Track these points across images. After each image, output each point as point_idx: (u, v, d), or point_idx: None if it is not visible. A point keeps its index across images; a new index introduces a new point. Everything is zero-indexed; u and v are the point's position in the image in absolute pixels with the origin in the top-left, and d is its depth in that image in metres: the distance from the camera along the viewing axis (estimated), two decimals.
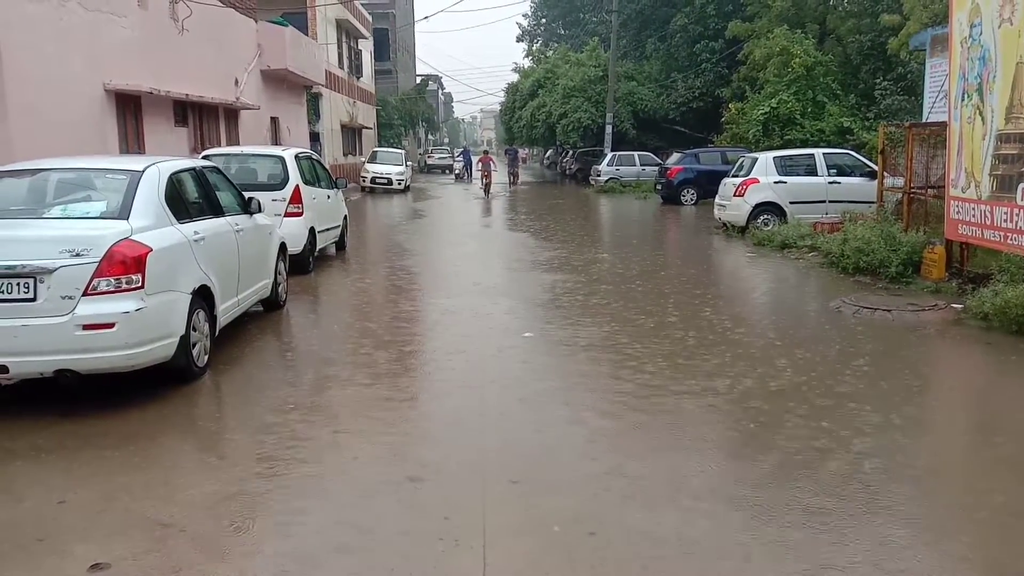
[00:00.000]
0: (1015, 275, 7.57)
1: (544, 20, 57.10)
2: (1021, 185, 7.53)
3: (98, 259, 4.94)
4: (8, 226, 5.30)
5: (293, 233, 9.98)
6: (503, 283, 10.29)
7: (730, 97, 27.29)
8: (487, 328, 7.51)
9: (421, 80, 58.05)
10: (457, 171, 40.42)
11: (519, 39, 58.02)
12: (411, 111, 48.96)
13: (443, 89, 77.56)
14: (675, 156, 24.36)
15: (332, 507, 3.84)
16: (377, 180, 29.06)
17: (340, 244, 13.03)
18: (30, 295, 4.86)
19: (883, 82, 21.93)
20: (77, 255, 4.92)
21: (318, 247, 11.38)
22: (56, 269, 4.87)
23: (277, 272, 8.20)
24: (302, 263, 10.39)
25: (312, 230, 10.94)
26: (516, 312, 8.33)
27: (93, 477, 4.18)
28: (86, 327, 4.89)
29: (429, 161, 49.48)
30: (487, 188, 27.26)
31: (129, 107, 13.67)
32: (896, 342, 6.90)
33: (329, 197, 12.25)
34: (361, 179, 29.49)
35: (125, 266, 5.03)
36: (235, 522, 3.65)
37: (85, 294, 4.91)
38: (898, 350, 6.68)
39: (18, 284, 4.85)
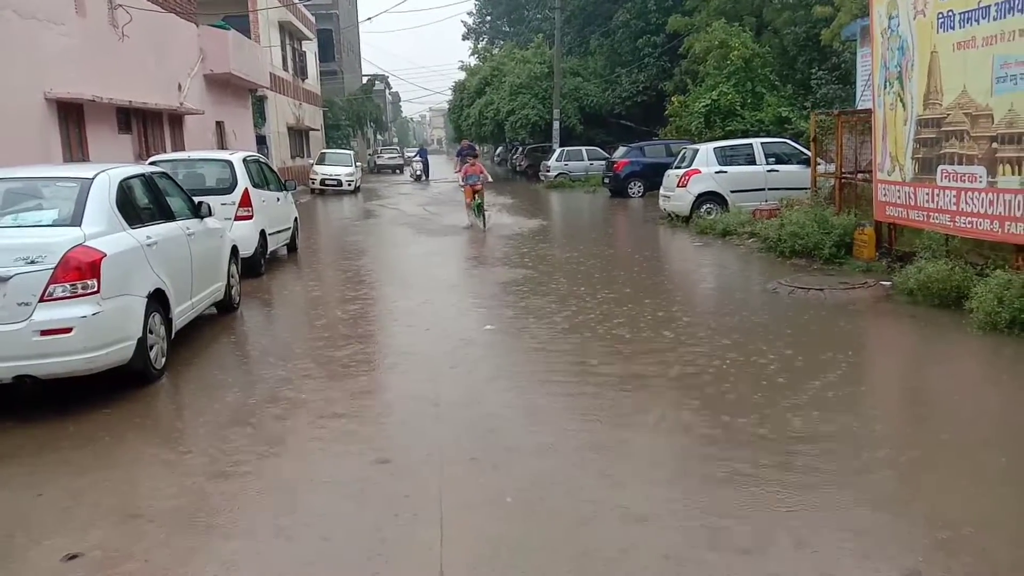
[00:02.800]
0: (936, 252, 8.05)
1: (489, 18, 57.25)
2: (940, 167, 8.01)
3: (53, 266, 5.03)
4: None
5: (244, 236, 10.04)
6: (455, 279, 10.50)
7: (673, 90, 27.84)
8: (442, 322, 7.72)
9: (367, 80, 57.76)
10: (417, 171, 37.43)
11: (465, 37, 58.05)
12: (358, 112, 48.74)
13: (390, 89, 77.16)
14: (621, 150, 24.81)
15: (296, 492, 4.02)
16: (326, 182, 28.96)
17: (291, 246, 13.09)
18: None
19: (818, 72, 22.63)
20: (32, 262, 5.01)
21: (269, 249, 11.44)
22: (11, 277, 4.95)
23: (230, 275, 8.29)
24: (254, 265, 10.46)
25: (263, 233, 11.00)
26: (469, 306, 8.54)
27: (59, 477, 4.29)
28: (44, 332, 4.98)
29: (379, 161, 49.29)
30: (480, 211, 15.85)
31: (72, 115, 13.52)
32: (827, 318, 7.31)
33: (279, 200, 12.31)
34: (310, 181, 29.35)
35: (80, 272, 5.12)
36: (202, 511, 3.81)
37: (41, 300, 5.00)
38: (828, 325, 7.08)
39: None
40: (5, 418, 5.16)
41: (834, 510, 3.62)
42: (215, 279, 7.79)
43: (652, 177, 20.80)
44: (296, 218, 13.39)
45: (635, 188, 22.95)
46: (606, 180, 24.67)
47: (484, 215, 15.90)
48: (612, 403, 5.23)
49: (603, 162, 27.44)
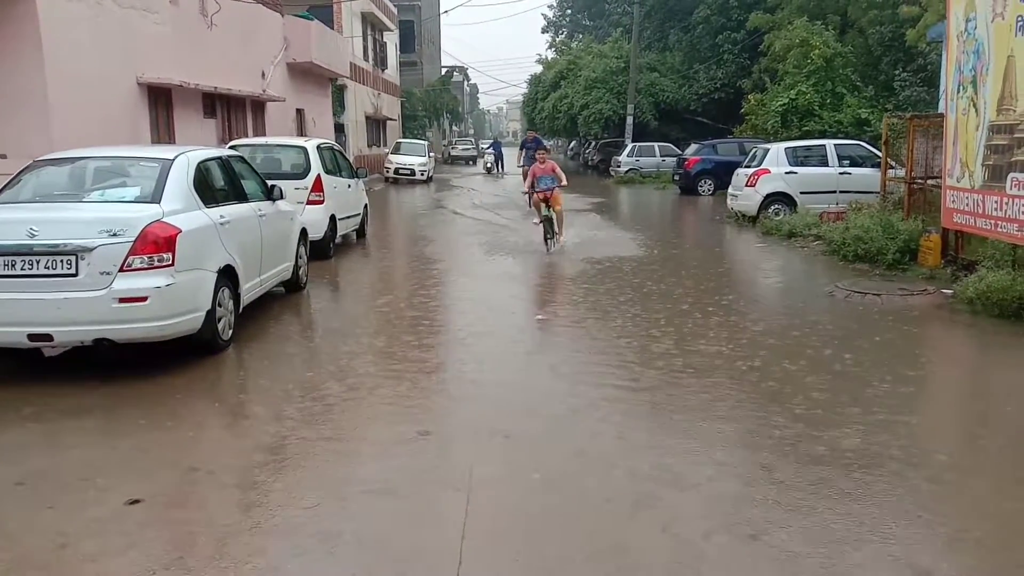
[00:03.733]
0: (1001, 262, 7.85)
1: (569, 11, 57.22)
2: (1011, 175, 7.80)
3: (133, 239, 5.45)
4: (52, 209, 5.85)
5: (314, 220, 10.47)
6: (520, 268, 10.69)
7: (751, 88, 27.42)
8: (501, 308, 7.94)
9: (446, 72, 58.50)
10: (488, 164, 36.51)
11: (544, 30, 58.21)
12: (435, 102, 49.42)
13: (469, 80, 77.98)
14: (693, 147, 24.61)
15: (344, 456, 4.31)
16: (400, 171, 29.57)
17: (360, 232, 13.52)
18: (72, 271, 5.38)
19: (903, 73, 21.98)
20: (114, 235, 5.44)
21: (339, 234, 11.89)
22: (95, 247, 5.39)
23: (298, 256, 8.70)
24: (323, 248, 10.89)
25: (333, 217, 11.43)
26: (528, 294, 8.73)
27: (131, 432, 4.69)
28: (122, 300, 5.41)
29: (453, 152, 49.93)
30: (548, 227, 11.69)
31: (160, 100, 14.27)
32: (878, 323, 7.22)
33: (350, 186, 12.75)
34: (385, 170, 30.03)
35: (157, 245, 5.54)
36: (255, 468, 4.14)
37: (121, 270, 5.43)
38: (879, 330, 7.00)
39: (62, 260, 5.38)
40: (87, 377, 5.64)
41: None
42: (284, 259, 8.20)
43: (723, 175, 20.56)
44: (366, 205, 13.83)
45: (705, 186, 22.75)
46: (676, 177, 24.51)
47: (555, 234, 11.53)
48: (653, 393, 5.36)
49: (675, 159, 27.23)
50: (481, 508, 3.69)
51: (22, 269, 5.40)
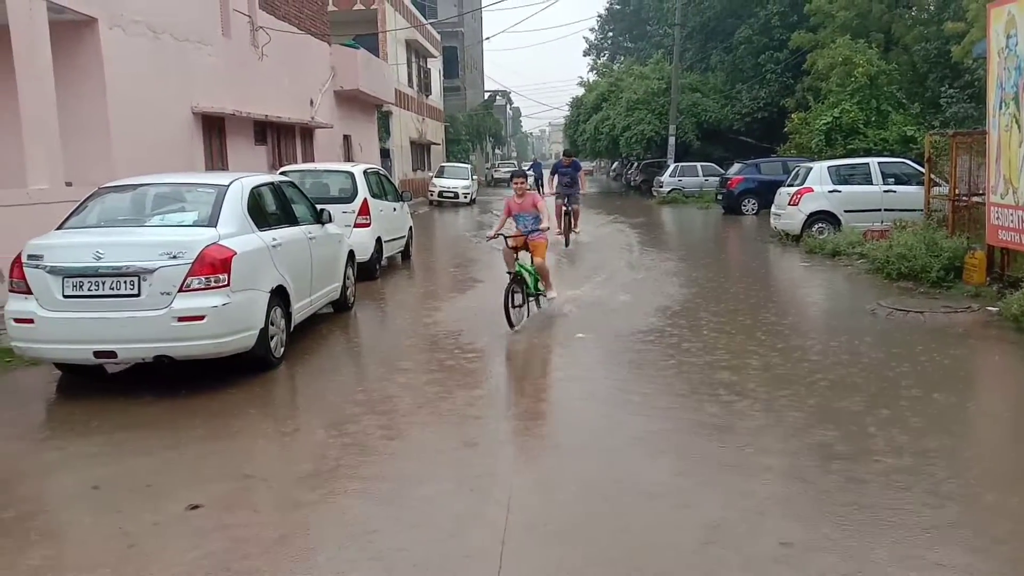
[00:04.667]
0: None
1: (611, 34, 57.66)
2: None
3: (191, 261, 5.76)
4: (116, 233, 6.19)
5: (361, 242, 10.79)
6: (565, 287, 10.81)
7: (794, 107, 27.28)
8: (545, 328, 8.09)
9: (489, 96, 59.23)
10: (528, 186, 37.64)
11: (586, 53, 58.76)
12: (478, 126, 50.06)
13: (511, 104, 78.78)
14: (736, 166, 24.54)
15: (390, 466, 4.50)
16: (444, 194, 30.05)
17: (405, 253, 13.83)
18: (135, 291, 5.71)
19: (949, 90, 21.70)
20: (174, 257, 5.75)
21: (384, 256, 12.19)
22: (156, 269, 5.71)
23: (346, 277, 9.00)
24: (369, 270, 11.19)
25: (379, 240, 11.75)
26: (574, 313, 8.83)
27: (190, 442, 4.95)
28: (181, 319, 5.71)
29: (495, 175, 50.47)
30: (519, 287, 8.25)
31: (214, 128, 14.83)
32: (921, 341, 7.19)
33: (395, 209, 13.08)
34: (429, 193, 30.53)
35: (214, 267, 5.84)
36: (307, 475, 4.35)
37: (180, 291, 5.73)
38: (921, 347, 6.97)
39: (125, 281, 5.71)
40: (147, 393, 5.94)
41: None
42: (332, 280, 8.49)
43: (767, 195, 20.46)
44: (411, 227, 14.15)
45: (749, 205, 22.66)
46: (719, 196, 24.46)
47: (533, 297, 8.47)
48: (695, 403, 5.45)
49: (718, 178, 27.17)
50: (520, 515, 3.83)
51: (88, 290, 5.73)
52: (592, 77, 47.22)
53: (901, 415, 5.13)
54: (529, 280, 8.27)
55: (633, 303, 9.40)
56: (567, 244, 14.23)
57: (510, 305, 7.77)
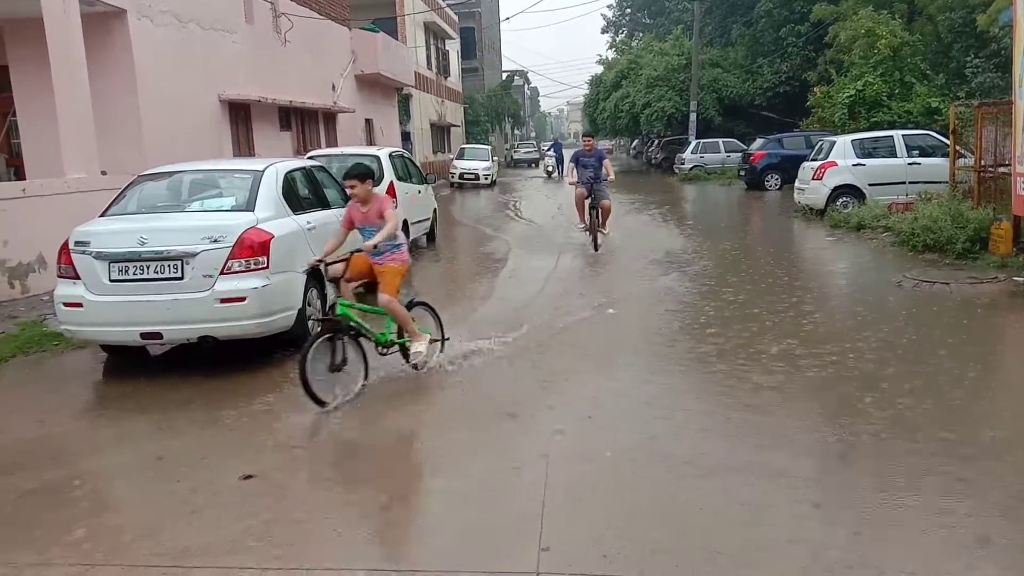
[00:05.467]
0: None
1: (629, 10, 57.18)
2: None
3: (232, 244, 5.96)
4: (158, 219, 6.40)
5: None
6: (581, 266, 10.97)
7: (816, 80, 27.01)
8: (568, 304, 8.23)
9: (507, 76, 59.07)
10: (548, 167, 35.39)
11: (604, 30, 58.32)
12: (497, 107, 50.00)
13: (529, 84, 78.46)
14: (758, 142, 24.44)
15: (428, 439, 4.69)
16: (465, 176, 30.16)
17: (430, 235, 14.00)
18: (178, 275, 5.91)
19: (975, 60, 21.39)
20: (215, 241, 5.95)
21: (411, 237, 12.35)
22: (199, 253, 5.91)
23: None
24: None
25: (405, 222, 11.89)
26: (593, 285, 8.99)
27: (236, 419, 5.16)
28: (223, 300, 5.91)
29: (515, 156, 50.43)
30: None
31: (240, 115, 15.05)
32: (947, 311, 7.26)
33: (420, 192, 13.23)
34: (450, 175, 30.65)
35: (253, 250, 6.03)
36: (345, 446, 4.55)
37: (222, 273, 5.93)
38: (947, 317, 7.04)
39: (169, 265, 5.92)
40: (192, 372, 6.16)
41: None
42: None
43: (790, 169, 20.35)
44: (435, 209, 14.30)
45: (772, 181, 22.59)
46: (742, 172, 24.38)
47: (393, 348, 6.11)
48: (724, 378, 5.59)
49: (740, 154, 27.04)
50: (558, 481, 4.00)
51: (134, 274, 5.95)
52: (611, 55, 46.94)
53: (935, 382, 5.24)
54: (363, 325, 5.69)
55: (658, 280, 9.51)
56: (596, 248, 11.61)
57: (310, 372, 5.07)
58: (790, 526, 3.48)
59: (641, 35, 49.59)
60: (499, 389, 5.61)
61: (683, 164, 30.25)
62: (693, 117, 32.58)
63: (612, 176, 11.82)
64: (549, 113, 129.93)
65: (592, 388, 5.52)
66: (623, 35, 55.37)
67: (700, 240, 13.04)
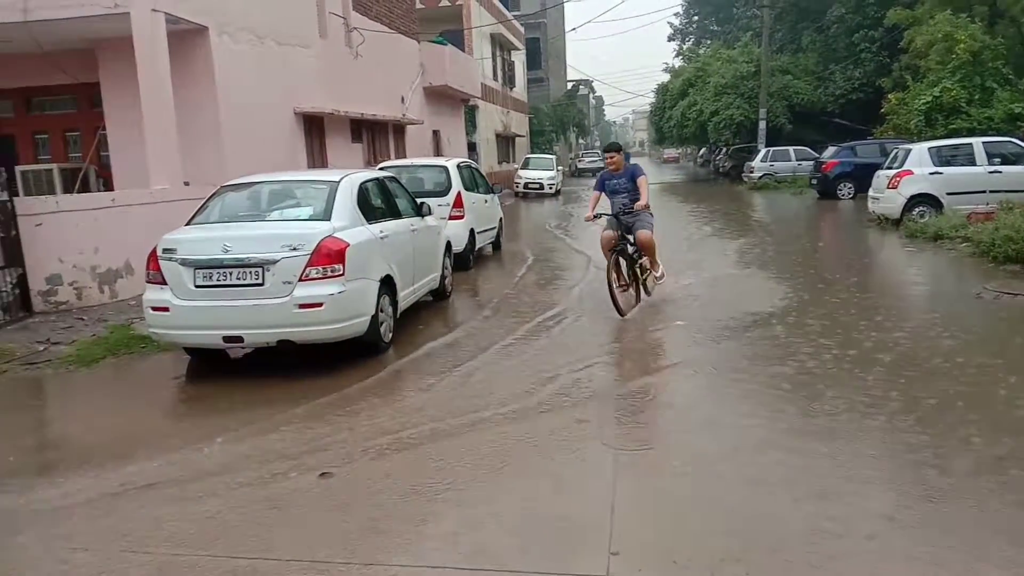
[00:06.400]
0: None
1: (696, 17, 56.67)
2: None
3: (310, 252, 6.18)
4: (240, 228, 6.69)
5: (456, 234, 11.16)
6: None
7: (891, 87, 26.31)
8: (635, 314, 8.25)
9: (572, 86, 59.22)
10: None
11: (670, 38, 57.92)
12: (562, 117, 50.14)
13: (594, 93, 78.44)
14: (831, 150, 23.93)
15: (493, 433, 4.78)
16: (529, 185, 30.32)
17: (496, 244, 14.17)
18: (259, 281, 6.16)
19: None
20: (294, 249, 6.19)
21: (477, 246, 12.56)
22: (279, 260, 6.15)
23: (444, 267, 9.37)
24: (464, 260, 11.56)
25: (472, 231, 12.11)
26: (663, 296, 8.95)
27: (315, 417, 5.36)
28: (301, 306, 6.14)
29: (580, 165, 50.46)
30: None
31: (314, 127, 15.51)
32: None
33: (486, 201, 13.43)
34: (514, 184, 30.87)
35: (330, 258, 6.25)
36: (419, 443, 4.71)
37: (300, 280, 6.16)
38: None
39: (251, 272, 6.17)
40: (272, 374, 6.41)
41: None
42: (432, 270, 8.86)
43: (864, 178, 19.88)
44: (501, 218, 14.47)
45: (845, 190, 22.11)
46: (813, 181, 23.91)
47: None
48: (792, 387, 5.54)
49: (811, 163, 26.50)
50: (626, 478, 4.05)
51: (217, 280, 6.22)
52: (678, 63, 46.62)
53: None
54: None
55: (730, 290, 9.43)
56: (622, 312, 7.94)
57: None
58: (863, 537, 3.45)
59: (709, 42, 49.08)
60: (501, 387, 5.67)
61: (752, 173, 29.80)
62: (762, 125, 32.07)
63: (644, 199, 8.05)
64: (614, 122, 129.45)
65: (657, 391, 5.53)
66: (690, 43, 54.91)
67: (774, 243, 12.85)
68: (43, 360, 7.22)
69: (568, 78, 62.57)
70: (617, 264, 8.24)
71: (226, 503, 4.12)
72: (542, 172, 31.06)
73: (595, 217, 8.44)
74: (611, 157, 8.54)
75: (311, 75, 15.22)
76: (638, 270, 8.42)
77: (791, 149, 30.23)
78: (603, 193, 8.52)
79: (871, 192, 15.97)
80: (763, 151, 30.52)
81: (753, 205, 23.37)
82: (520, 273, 12.29)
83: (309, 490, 4.20)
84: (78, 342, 7.66)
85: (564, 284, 10.80)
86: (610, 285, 7.98)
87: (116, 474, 4.57)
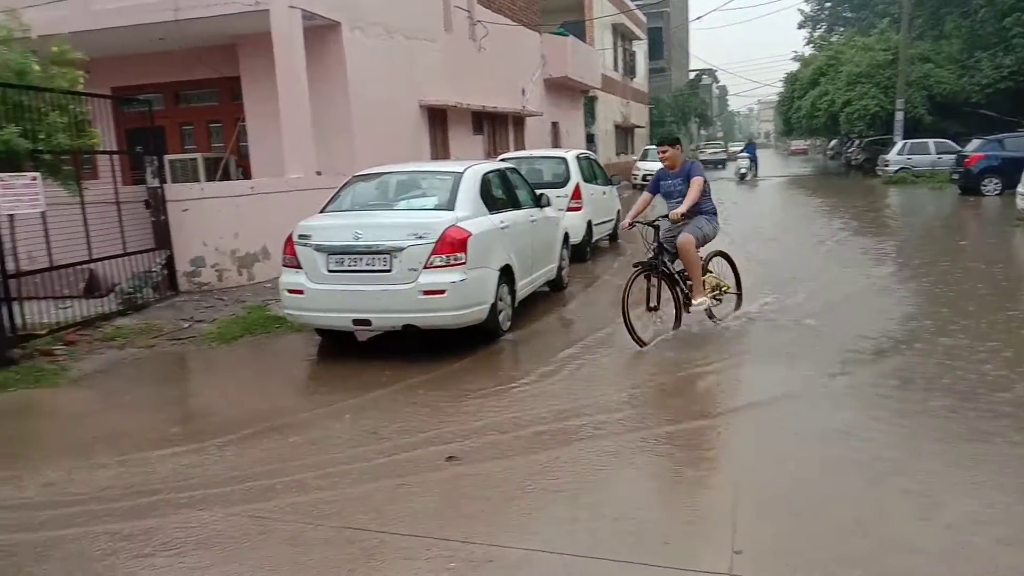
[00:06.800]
0: None
1: (828, 4, 54.26)
2: None
3: (435, 241, 6.38)
4: (370, 216, 6.98)
5: (573, 225, 11.17)
6: (784, 270, 10.54)
7: None
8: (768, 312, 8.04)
9: (695, 76, 57.91)
10: (741, 170, 32.87)
11: (801, 25, 55.77)
12: (683, 107, 49.15)
13: (717, 83, 76.43)
14: (975, 142, 22.36)
15: (622, 433, 4.79)
16: (648, 177, 29.70)
17: (613, 236, 14.08)
18: (387, 267, 6.41)
19: None
20: (420, 237, 6.39)
21: (594, 238, 12.53)
22: (405, 248, 6.38)
23: (561, 258, 9.42)
24: (580, 252, 11.57)
25: (589, 223, 12.10)
26: (801, 295, 8.66)
27: (436, 403, 5.53)
28: (425, 292, 6.35)
29: (701, 157, 49.25)
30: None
31: (437, 119, 15.88)
32: None
33: (605, 193, 13.37)
34: (632, 176, 30.53)
35: (453, 247, 6.42)
36: (536, 429, 4.81)
37: (425, 267, 6.36)
38: None
39: (379, 258, 6.43)
40: (397, 357, 6.66)
41: None
42: (549, 261, 8.93)
43: (1012, 173, 18.52)
44: (619, 210, 14.38)
45: (991, 185, 20.60)
46: (955, 176, 22.44)
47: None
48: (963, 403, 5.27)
49: (953, 156, 24.87)
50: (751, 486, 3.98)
51: (348, 265, 6.52)
52: (808, 51, 44.77)
53: None
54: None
55: (873, 292, 9.03)
56: (641, 342, 6.56)
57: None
58: (991, 544, 3.26)
59: (842, 30, 46.92)
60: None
61: (887, 166, 28.25)
62: (899, 116, 30.31)
63: (684, 207, 6.64)
64: (738, 112, 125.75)
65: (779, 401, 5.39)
66: (822, 30, 52.66)
67: (915, 239, 12.18)
68: (187, 336, 7.77)
69: (691, 68, 61.22)
70: (646, 282, 6.78)
71: (356, 476, 4.33)
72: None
73: (631, 226, 6.98)
74: (664, 151, 7.04)
75: (436, 68, 15.58)
76: (679, 292, 6.92)
77: (931, 142, 28.43)
78: (656, 195, 7.14)
79: (1020, 188, 14.84)
80: (900, 143, 28.85)
81: (892, 200, 22.17)
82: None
83: (434, 471, 4.35)
84: (218, 321, 8.21)
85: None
86: (624, 309, 6.55)
87: (255, 449, 4.88)
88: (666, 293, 6.96)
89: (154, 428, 5.35)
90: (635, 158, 33.51)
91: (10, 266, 7.10)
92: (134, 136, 11.14)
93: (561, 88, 24.28)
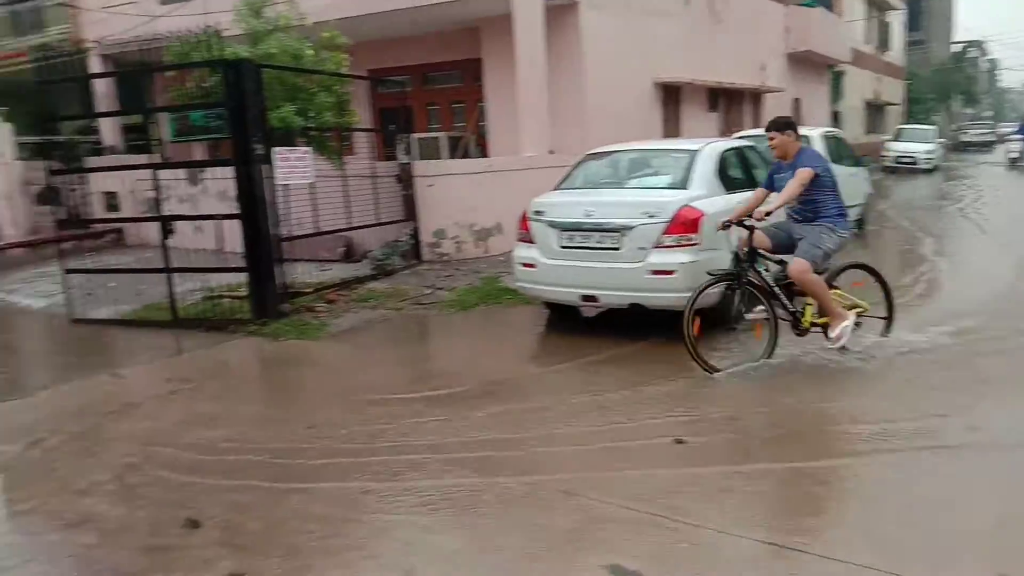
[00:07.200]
0: None
1: None
2: None
3: (666, 220, 6.30)
4: (601, 194, 7.03)
5: None
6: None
7: None
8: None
9: (960, 48, 51.94)
10: (1013, 153, 27.76)
11: None
12: (945, 83, 44.34)
13: (986, 56, 67.90)
14: None
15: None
16: (900, 159, 27.33)
17: (859, 223, 13.02)
18: (616, 246, 6.44)
19: None
20: (651, 216, 6.35)
21: None
22: (635, 227, 6.36)
23: None
24: None
25: None
26: None
27: (655, 383, 5.50)
28: (654, 272, 6.30)
29: (963, 138, 44.16)
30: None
31: (670, 97, 15.61)
32: None
33: (852, 175, 12.40)
34: (882, 158, 28.10)
35: (685, 227, 6.30)
36: (776, 423, 4.59)
37: (655, 247, 6.31)
38: None
39: (609, 236, 6.47)
40: (620, 335, 6.70)
41: None
42: None
43: None
44: (869, 194, 13.31)
45: None
46: None
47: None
48: None
49: None
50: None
51: (579, 242, 6.63)
52: None
53: None
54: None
55: None
56: (708, 367, 5.65)
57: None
58: None
59: None
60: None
61: None
62: None
63: (776, 203, 5.64)
64: (1011, 89, 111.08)
65: None
66: None
67: None
68: (429, 302, 8.35)
69: (955, 39, 54.92)
70: (723, 293, 5.82)
71: (584, 446, 4.44)
72: (917, 145, 27.75)
73: (726, 226, 5.85)
74: (772, 138, 5.88)
75: (671, 44, 15.28)
76: (778, 309, 5.75)
77: None
78: (772, 191, 6.00)
79: None
80: None
81: None
82: (885, 260, 11.20)
83: (660, 451, 4.35)
84: (457, 289, 8.72)
85: (953, 286, 9.26)
86: (685, 327, 5.51)
87: (495, 408, 5.15)
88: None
89: (404, 385, 5.83)
90: (886, 138, 30.80)
91: (283, 231, 7.99)
92: (386, 115, 12.06)
93: (805, 62, 22.84)
